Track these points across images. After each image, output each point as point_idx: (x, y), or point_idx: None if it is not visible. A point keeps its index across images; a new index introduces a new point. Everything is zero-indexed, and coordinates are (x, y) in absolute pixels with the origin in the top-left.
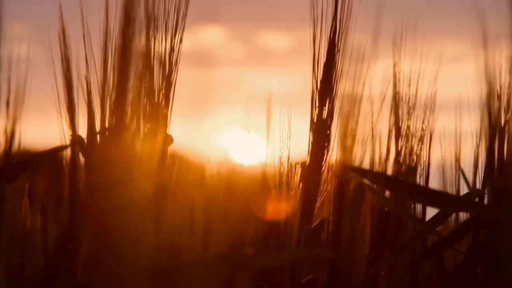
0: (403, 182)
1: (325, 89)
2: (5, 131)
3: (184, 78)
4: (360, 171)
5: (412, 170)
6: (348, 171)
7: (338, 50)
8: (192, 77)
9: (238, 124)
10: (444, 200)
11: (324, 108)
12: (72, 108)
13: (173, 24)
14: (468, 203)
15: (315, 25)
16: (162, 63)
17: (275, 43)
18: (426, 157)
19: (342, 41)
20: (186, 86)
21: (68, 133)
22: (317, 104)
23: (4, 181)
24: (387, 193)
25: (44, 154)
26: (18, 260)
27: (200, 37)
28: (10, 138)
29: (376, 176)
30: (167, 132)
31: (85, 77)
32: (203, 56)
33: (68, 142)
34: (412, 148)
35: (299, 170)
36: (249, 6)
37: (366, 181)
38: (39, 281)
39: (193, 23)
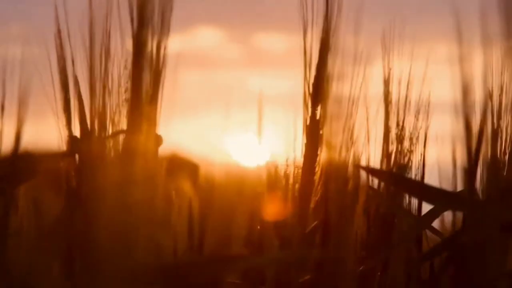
0: (407, 179)
1: (317, 92)
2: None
3: (184, 80)
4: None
5: (402, 168)
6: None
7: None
8: (193, 79)
9: (235, 126)
10: (440, 196)
11: (317, 109)
12: (68, 109)
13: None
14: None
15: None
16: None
17: (272, 45)
18: (420, 157)
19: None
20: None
21: (64, 134)
22: (310, 106)
23: (11, 186)
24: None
25: (47, 158)
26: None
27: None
28: (16, 142)
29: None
30: (156, 132)
31: (75, 77)
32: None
33: (64, 142)
34: (403, 148)
35: (294, 171)
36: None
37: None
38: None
39: (191, 24)
